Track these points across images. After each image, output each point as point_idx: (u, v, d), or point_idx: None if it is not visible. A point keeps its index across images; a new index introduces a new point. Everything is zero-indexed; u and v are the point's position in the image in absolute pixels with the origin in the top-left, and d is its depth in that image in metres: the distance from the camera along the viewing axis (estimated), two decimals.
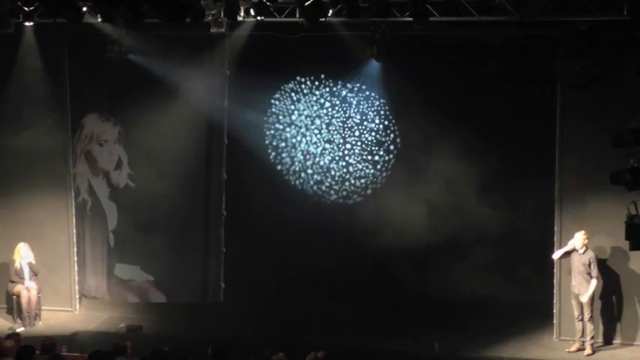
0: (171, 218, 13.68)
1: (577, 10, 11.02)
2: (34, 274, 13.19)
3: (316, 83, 13.45)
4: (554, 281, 12.33)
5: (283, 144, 13.60)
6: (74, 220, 13.69)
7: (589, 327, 11.78)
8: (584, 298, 11.68)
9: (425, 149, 12.81)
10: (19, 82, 13.34)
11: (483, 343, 12.14)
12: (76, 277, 13.76)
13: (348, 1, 11.07)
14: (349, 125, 13.40)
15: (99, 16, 11.71)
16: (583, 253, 11.71)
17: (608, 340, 12.09)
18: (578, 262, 11.74)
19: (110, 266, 14.07)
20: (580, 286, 11.76)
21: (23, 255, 13.13)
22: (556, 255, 12.02)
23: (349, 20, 11.49)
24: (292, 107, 13.54)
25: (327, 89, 13.42)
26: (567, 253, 11.89)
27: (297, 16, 11.58)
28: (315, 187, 13.58)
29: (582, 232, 11.71)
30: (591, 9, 10.97)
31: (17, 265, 13.12)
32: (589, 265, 11.66)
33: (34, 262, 13.17)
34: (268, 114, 13.58)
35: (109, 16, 11.33)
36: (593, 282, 11.68)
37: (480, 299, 12.81)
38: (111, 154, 13.86)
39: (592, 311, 11.77)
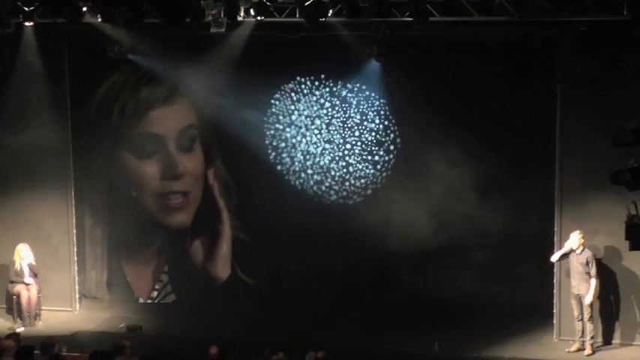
0: None
1: (577, 10, 11.02)
2: (34, 274, 13.20)
3: (316, 83, 13.44)
4: (554, 281, 12.34)
5: (283, 144, 13.60)
6: (74, 220, 13.70)
7: (589, 327, 11.79)
8: (588, 299, 11.68)
9: (425, 149, 12.80)
10: (19, 82, 13.34)
11: (483, 343, 12.14)
12: (76, 277, 13.77)
13: (348, 1, 11.05)
14: (349, 125, 13.40)
15: (99, 16, 11.71)
16: (580, 253, 11.72)
17: (607, 340, 12.11)
18: (577, 262, 11.74)
19: (110, 266, 14.12)
20: (580, 287, 11.77)
21: (23, 256, 13.14)
22: (554, 257, 12.02)
23: (349, 20, 11.47)
24: (292, 107, 13.53)
25: (327, 89, 13.41)
26: (565, 255, 11.90)
27: (297, 16, 11.57)
28: (315, 188, 13.58)
29: (577, 231, 11.72)
30: (591, 9, 10.96)
31: (17, 265, 13.14)
32: (587, 265, 11.67)
33: (34, 262, 13.18)
34: (268, 114, 13.58)
35: (109, 16, 11.33)
36: (593, 282, 11.68)
37: (480, 299, 12.81)
38: None
39: (592, 311, 11.77)
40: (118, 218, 13.93)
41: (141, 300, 14.06)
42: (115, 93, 13.48)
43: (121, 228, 13.96)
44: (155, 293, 14.03)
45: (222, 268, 13.75)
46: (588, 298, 11.68)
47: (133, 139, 13.57)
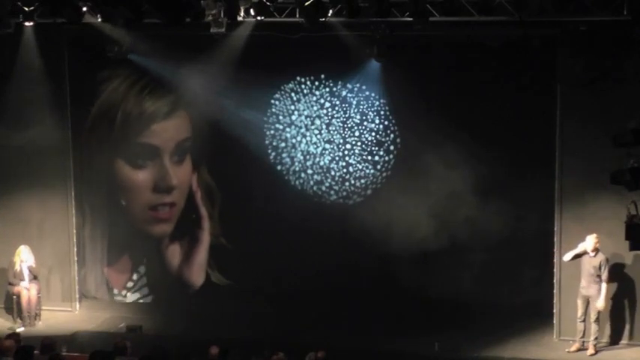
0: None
1: (577, 10, 11.01)
2: (34, 277, 13.19)
3: (316, 83, 13.44)
4: (554, 281, 12.34)
5: (283, 144, 13.59)
6: (74, 220, 13.71)
7: (594, 328, 11.80)
8: (600, 304, 11.68)
9: (425, 149, 12.78)
10: (19, 82, 13.35)
11: (483, 343, 12.15)
12: (76, 277, 13.77)
13: (348, 1, 11.05)
14: (349, 125, 13.39)
15: (99, 16, 11.70)
16: (594, 256, 11.72)
17: (612, 341, 12.11)
18: (589, 264, 11.74)
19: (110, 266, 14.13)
20: (589, 288, 11.77)
21: (23, 258, 13.14)
22: (567, 257, 11.96)
23: (349, 20, 11.47)
24: (292, 107, 13.53)
25: (327, 89, 13.41)
26: (578, 256, 11.87)
27: (297, 16, 11.57)
28: (315, 188, 13.57)
29: (594, 235, 11.70)
30: (591, 9, 10.96)
31: (17, 267, 13.13)
32: (599, 268, 11.67)
33: (34, 265, 13.17)
34: (268, 114, 13.57)
35: (109, 16, 11.32)
36: (604, 286, 11.68)
37: (480, 299, 12.80)
38: None
39: (598, 312, 11.77)
40: (107, 220, 14.00)
41: (115, 291, 14.05)
42: (119, 98, 13.50)
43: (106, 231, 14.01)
44: (131, 284, 14.02)
45: (197, 275, 13.83)
46: (600, 304, 11.68)
47: (130, 148, 13.63)
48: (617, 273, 12.01)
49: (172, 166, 13.59)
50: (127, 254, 14.03)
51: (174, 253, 13.82)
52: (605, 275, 11.67)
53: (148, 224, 13.79)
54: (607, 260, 11.72)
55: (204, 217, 13.73)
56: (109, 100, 13.54)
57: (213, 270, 13.82)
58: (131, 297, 14.06)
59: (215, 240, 13.78)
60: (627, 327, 12.12)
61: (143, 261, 14.01)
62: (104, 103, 13.57)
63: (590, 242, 11.72)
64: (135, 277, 14.03)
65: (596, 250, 11.72)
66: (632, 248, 10.02)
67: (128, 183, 13.71)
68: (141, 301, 14.04)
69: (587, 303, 11.81)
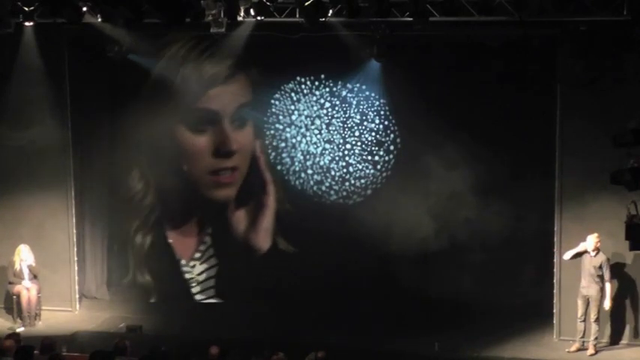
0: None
1: (577, 10, 11.01)
2: (34, 276, 13.19)
3: (316, 83, 13.44)
4: (554, 281, 12.33)
5: (283, 144, 13.60)
6: (74, 220, 13.70)
7: (594, 327, 11.80)
8: (606, 305, 11.69)
9: (425, 149, 12.79)
10: (19, 82, 13.34)
11: (483, 343, 12.14)
12: (76, 277, 13.77)
13: (348, 1, 11.05)
14: (349, 125, 13.40)
15: (99, 16, 11.70)
16: (595, 256, 11.71)
17: (613, 341, 12.10)
18: (589, 264, 11.74)
19: (110, 266, 14.13)
20: (589, 288, 11.77)
21: (23, 257, 13.13)
22: (567, 255, 11.96)
23: (349, 20, 11.47)
24: (292, 107, 13.53)
25: (327, 89, 13.41)
26: (579, 255, 11.87)
27: (297, 16, 11.57)
28: (315, 188, 13.58)
29: (595, 234, 11.69)
30: (591, 9, 10.96)
31: (17, 266, 13.13)
32: (600, 268, 11.67)
33: (34, 264, 13.17)
34: (268, 114, 13.58)
35: (109, 16, 11.33)
36: (608, 285, 11.68)
37: (479, 299, 12.80)
38: None
39: (599, 312, 11.77)
40: (164, 190, 13.80)
41: (183, 261, 13.94)
42: (178, 63, 13.28)
43: (167, 200, 13.85)
44: (198, 254, 13.93)
45: (264, 240, 13.67)
46: (607, 304, 11.68)
47: (190, 113, 13.41)
48: (617, 273, 12.00)
49: (233, 131, 13.43)
50: (194, 220, 13.89)
51: (239, 218, 13.66)
52: (607, 275, 11.67)
53: (210, 189, 13.61)
54: (608, 260, 11.72)
55: (269, 182, 13.58)
56: (170, 66, 13.31)
57: (278, 236, 13.68)
58: (199, 268, 13.93)
59: (280, 206, 13.67)
60: (628, 327, 12.11)
61: (209, 230, 13.87)
62: (164, 70, 13.33)
63: (591, 242, 11.71)
64: (202, 247, 13.91)
65: (597, 250, 11.71)
66: (632, 248, 10.01)
67: (189, 148, 13.53)
68: (205, 274, 13.86)
69: (587, 303, 11.81)
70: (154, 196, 13.86)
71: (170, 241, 13.95)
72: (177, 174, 13.64)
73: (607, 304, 11.70)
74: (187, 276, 13.94)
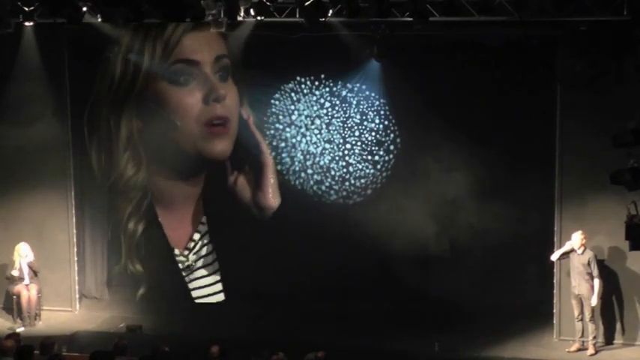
0: None
1: (577, 10, 11.00)
2: (34, 273, 13.20)
3: (316, 83, 13.44)
4: (554, 281, 12.34)
5: (283, 144, 13.59)
6: (74, 220, 13.70)
7: (590, 327, 11.80)
8: (593, 302, 11.68)
9: (425, 149, 12.80)
10: (19, 81, 13.34)
11: (483, 343, 12.14)
12: (76, 277, 13.77)
13: (348, 1, 11.04)
14: (349, 125, 13.39)
15: (99, 16, 11.70)
16: (582, 254, 11.72)
17: (608, 341, 12.10)
18: (578, 262, 11.74)
19: (110, 266, 14.12)
20: (580, 287, 11.77)
21: (23, 254, 13.14)
22: (554, 256, 12.03)
23: (349, 20, 11.46)
24: (292, 107, 13.53)
25: (327, 89, 13.41)
26: (566, 254, 11.90)
27: (297, 16, 11.56)
28: (315, 187, 13.57)
29: (580, 232, 11.72)
30: (591, 9, 10.95)
31: (17, 265, 13.12)
32: (589, 265, 11.66)
33: (34, 261, 13.17)
34: (268, 114, 13.57)
35: (109, 16, 11.32)
36: (597, 282, 11.68)
37: (479, 299, 12.80)
38: None
39: (593, 311, 11.77)
40: (158, 159, 13.68)
41: (177, 251, 13.89)
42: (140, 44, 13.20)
43: (162, 168, 13.75)
44: (192, 244, 13.87)
45: (274, 197, 13.54)
46: (594, 300, 11.68)
47: (170, 68, 13.23)
48: (617, 273, 12.01)
49: (217, 81, 13.28)
50: (190, 203, 13.79)
51: (242, 184, 13.52)
52: (595, 271, 11.66)
53: (206, 142, 13.36)
54: (595, 256, 11.72)
55: (262, 141, 13.48)
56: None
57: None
58: (192, 257, 13.86)
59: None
60: (628, 327, 12.10)
61: (203, 219, 13.78)
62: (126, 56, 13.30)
63: (576, 239, 11.71)
64: (196, 236, 13.81)
65: (584, 247, 11.71)
66: (632, 248, 10.03)
67: (178, 102, 13.28)
68: (204, 258, 13.81)
69: (581, 302, 11.82)
70: (145, 178, 13.72)
71: (164, 230, 13.85)
72: (170, 145, 13.40)
73: (594, 300, 11.68)
74: (180, 266, 13.87)
